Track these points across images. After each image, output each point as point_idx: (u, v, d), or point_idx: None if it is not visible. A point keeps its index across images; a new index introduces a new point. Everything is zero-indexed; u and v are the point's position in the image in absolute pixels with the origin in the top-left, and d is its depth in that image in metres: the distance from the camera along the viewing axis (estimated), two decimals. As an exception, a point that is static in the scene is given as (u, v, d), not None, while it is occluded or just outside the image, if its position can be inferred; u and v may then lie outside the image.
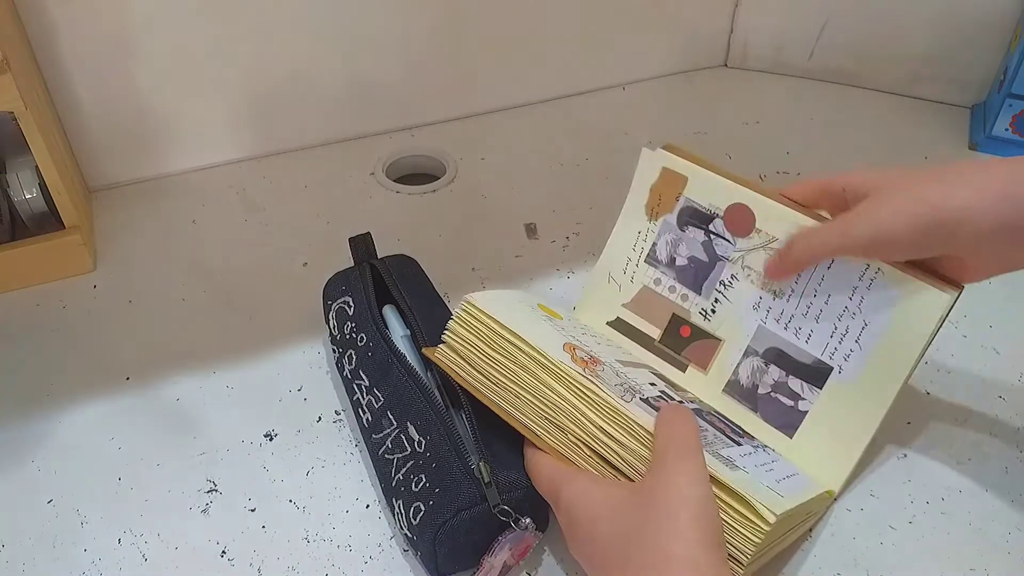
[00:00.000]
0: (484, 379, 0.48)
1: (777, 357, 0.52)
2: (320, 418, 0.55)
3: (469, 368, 0.48)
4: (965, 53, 0.81)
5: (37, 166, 0.62)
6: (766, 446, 0.50)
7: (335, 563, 0.47)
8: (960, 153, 0.79)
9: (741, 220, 0.52)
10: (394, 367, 0.50)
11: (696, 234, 0.54)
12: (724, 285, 0.53)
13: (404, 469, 0.47)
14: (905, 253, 0.46)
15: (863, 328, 0.49)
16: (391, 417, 0.49)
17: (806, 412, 0.50)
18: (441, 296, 0.58)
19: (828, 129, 0.83)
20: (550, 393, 0.46)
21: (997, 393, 0.57)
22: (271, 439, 0.54)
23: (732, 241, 0.53)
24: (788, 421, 0.51)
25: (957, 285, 0.46)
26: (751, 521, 0.40)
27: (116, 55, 0.69)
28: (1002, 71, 0.78)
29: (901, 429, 0.55)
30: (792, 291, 0.51)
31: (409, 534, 0.46)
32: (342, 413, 0.56)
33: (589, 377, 0.45)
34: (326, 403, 0.56)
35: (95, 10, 0.66)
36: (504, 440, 0.47)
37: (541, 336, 0.48)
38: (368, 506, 0.50)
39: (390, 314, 0.55)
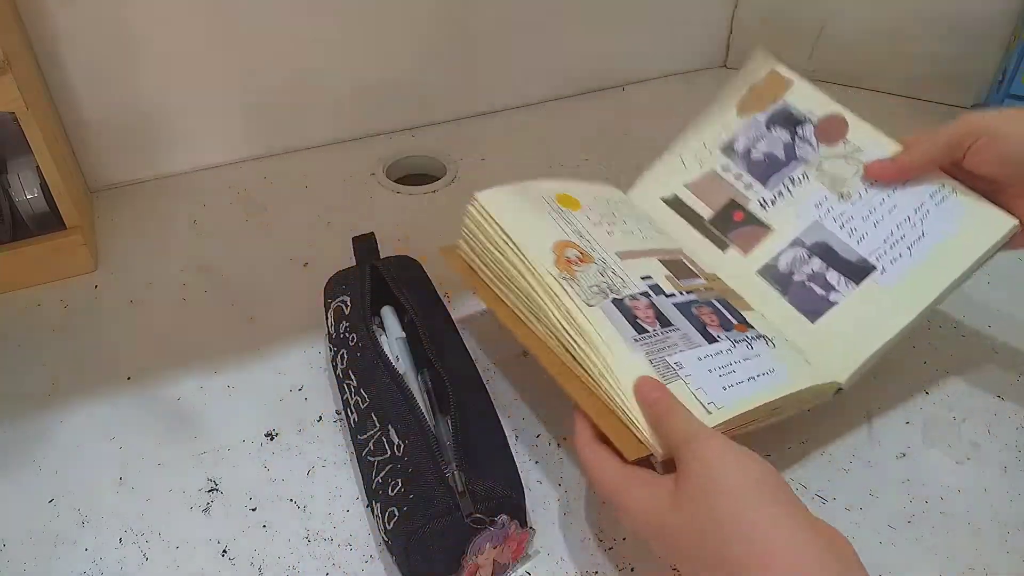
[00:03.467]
0: (492, 276, 0.52)
1: (823, 251, 0.54)
2: (321, 418, 0.55)
3: (482, 265, 0.53)
4: (964, 54, 0.81)
5: (38, 166, 0.62)
6: (761, 336, 0.50)
7: (336, 562, 0.47)
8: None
9: (834, 129, 0.57)
10: (379, 368, 0.50)
11: (781, 134, 0.58)
12: (792, 181, 0.57)
13: (383, 472, 0.46)
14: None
15: (919, 238, 0.52)
16: (375, 419, 0.48)
17: (836, 303, 0.53)
18: (441, 296, 0.58)
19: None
20: (532, 292, 0.49)
21: (996, 393, 0.57)
22: (272, 438, 0.54)
23: (816, 147, 0.57)
24: (815, 308, 0.53)
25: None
26: (633, 443, 0.43)
27: (117, 55, 0.69)
28: (1001, 71, 0.78)
29: (900, 428, 0.55)
30: (861, 197, 0.55)
31: (385, 538, 0.45)
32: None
33: (559, 280, 0.48)
34: (327, 403, 0.56)
35: (97, 10, 0.66)
36: (486, 448, 0.46)
37: (535, 235, 0.51)
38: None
39: (388, 314, 0.56)
